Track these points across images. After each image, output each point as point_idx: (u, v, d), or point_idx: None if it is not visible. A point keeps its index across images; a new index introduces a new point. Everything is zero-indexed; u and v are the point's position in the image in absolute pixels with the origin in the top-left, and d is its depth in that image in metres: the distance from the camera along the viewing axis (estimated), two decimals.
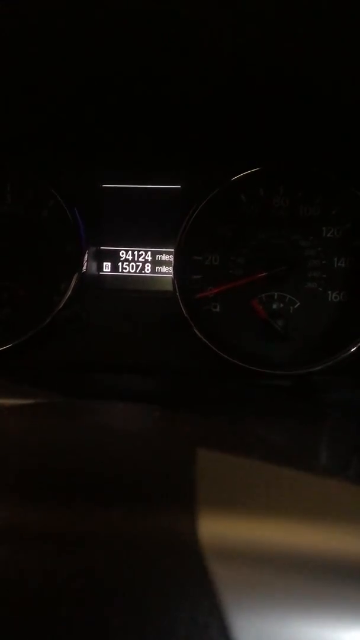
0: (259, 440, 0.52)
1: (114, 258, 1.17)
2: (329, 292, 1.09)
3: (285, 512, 0.32)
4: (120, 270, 1.17)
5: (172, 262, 1.11)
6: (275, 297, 1.10)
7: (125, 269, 1.17)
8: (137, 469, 0.36)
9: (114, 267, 1.17)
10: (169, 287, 1.11)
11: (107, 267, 1.18)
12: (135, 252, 1.16)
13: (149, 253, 1.16)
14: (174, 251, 1.10)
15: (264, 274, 1.09)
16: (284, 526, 0.31)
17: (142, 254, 1.16)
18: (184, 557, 0.29)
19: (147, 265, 1.16)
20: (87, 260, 1.13)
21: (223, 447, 0.43)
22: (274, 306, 1.10)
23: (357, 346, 1.03)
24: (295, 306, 1.10)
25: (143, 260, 1.16)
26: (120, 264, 1.17)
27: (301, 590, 0.29)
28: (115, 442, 0.41)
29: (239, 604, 0.28)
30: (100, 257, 1.18)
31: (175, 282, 1.09)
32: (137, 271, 1.17)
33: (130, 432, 0.45)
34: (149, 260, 1.16)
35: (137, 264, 1.17)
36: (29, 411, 0.56)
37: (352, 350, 1.03)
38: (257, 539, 0.30)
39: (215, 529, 0.30)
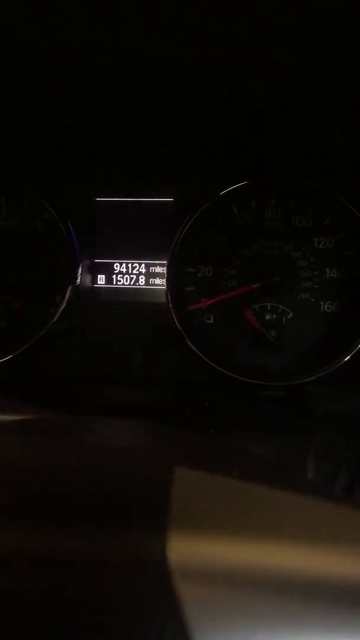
0: (243, 455, 0.52)
1: (108, 270, 1.18)
2: (322, 302, 1.10)
3: (256, 534, 0.32)
4: (114, 282, 1.18)
5: (166, 274, 1.11)
6: (269, 307, 1.11)
7: (120, 281, 1.18)
8: (112, 489, 0.36)
9: (108, 280, 1.18)
10: (163, 299, 1.12)
11: (101, 279, 1.18)
12: (129, 265, 1.17)
13: (143, 265, 1.17)
14: (167, 263, 1.11)
15: (257, 285, 1.09)
16: (254, 548, 0.31)
17: (136, 267, 1.17)
18: (153, 577, 0.29)
19: (141, 278, 1.17)
20: (81, 273, 1.14)
21: (203, 465, 0.43)
22: (267, 317, 1.11)
23: (350, 356, 1.04)
24: (288, 317, 1.11)
25: (137, 272, 1.17)
26: (114, 276, 1.18)
27: (271, 612, 0.30)
28: (94, 459, 0.42)
29: (208, 625, 0.28)
30: (94, 270, 1.18)
31: (169, 294, 1.10)
32: (131, 283, 1.18)
33: (112, 450, 0.45)
34: (143, 272, 1.17)
35: (131, 276, 1.17)
36: (15, 428, 0.56)
37: (345, 360, 1.04)
38: (226, 560, 0.30)
39: (185, 550, 0.31)
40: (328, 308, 1.10)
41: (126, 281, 1.18)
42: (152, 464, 0.42)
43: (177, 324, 1.08)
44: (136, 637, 0.27)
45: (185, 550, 0.31)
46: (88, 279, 1.18)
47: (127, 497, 0.35)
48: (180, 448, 0.48)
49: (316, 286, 1.10)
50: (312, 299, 1.10)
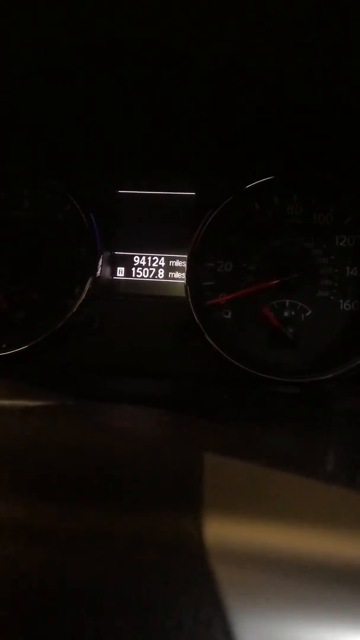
0: (267, 446, 0.53)
1: (128, 263, 1.19)
2: (341, 300, 1.10)
3: (290, 517, 0.33)
4: (133, 275, 1.19)
5: (185, 268, 1.12)
6: (287, 304, 1.11)
7: (139, 274, 1.19)
8: (145, 471, 0.37)
9: (128, 272, 1.19)
10: (182, 293, 1.12)
11: (120, 272, 1.19)
12: (149, 258, 1.18)
13: (163, 259, 1.17)
14: (187, 257, 1.11)
15: (276, 281, 1.09)
16: (289, 530, 0.32)
17: (155, 260, 1.18)
18: (189, 557, 0.30)
19: (161, 271, 1.18)
20: (101, 265, 1.14)
21: (231, 452, 0.44)
22: (286, 314, 1.11)
23: None
24: (307, 314, 1.11)
25: (156, 265, 1.18)
26: (133, 269, 1.19)
27: (305, 594, 0.30)
28: (124, 444, 0.42)
29: (243, 605, 0.29)
30: (114, 262, 1.19)
31: (188, 288, 1.10)
32: (151, 276, 1.18)
33: (140, 435, 0.46)
34: (162, 265, 1.18)
35: (151, 269, 1.18)
36: (41, 412, 0.57)
37: None
38: (262, 543, 0.31)
39: (221, 531, 0.31)
40: (347, 306, 1.10)
41: (145, 274, 1.18)
42: (181, 449, 0.42)
43: (195, 318, 1.08)
44: (173, 616, 0.28)
45: (221, 531, 0.31)
46: (107, 271, 1.18)
47: (160, 479, 0.36)
48: (206, 436, 0.49)
49: (336, 284, 1.10)
50: (332, 297, 1.10)
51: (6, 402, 0.59)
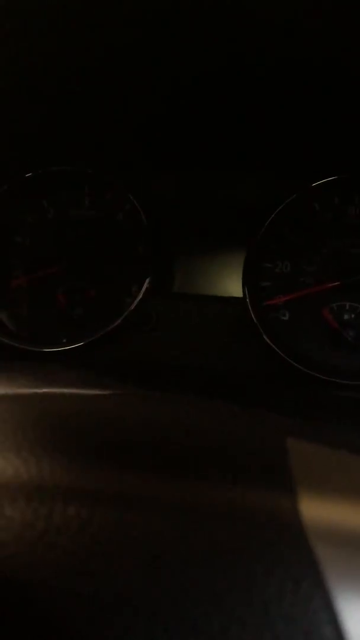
0: (341, 440, 0.52)
1: (186, 262, 1.19)
2: None
3: None
4: (191, 274, 1.19)
5: (243, 267, 1.11)
6: (347, 307, 1.09)
7: (197, 272, 1.19)
8: (237, 451, 0.37)
9: (185, 271, 1.19)
10: (238, 293, 1.11)
11: (178, 271, 1.20)
12: (207, 257, 1.18)
13: (220, 258, 1.17)
14: (245, 257, 1.11)
15: (337, 283, 1.08)
16: None
17: (213, 259, 1.18)
18: (288, 532, 0.29)
19: (218, 270, 1.18)
20: (158, 264, 1.15)
21: (311, 438, 0.43)
22: (346, 316, 1.09)
23: None
24: None
25: (214, 264, 1.18)
26: (191, 268, 1.19)
27: None
28: (211, 427, 0.42)
29: (342, 582, 0.28)
30: (171, 261, 1.20)
31: (245, 288, 1.10)
32: (208, 276, 1.18)
33: (220, 421, 0.46)
34: (220, 265, 1.17)
35: (208, 268, 1.18)
36: (122, 400, 0.58)
37: None
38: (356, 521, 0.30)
39: (316, 509, 0.31)
40: None
41: (203, 273, 1.18)
42: (265, 434, 0.42)
43: (253, 317, 1.07)
44: (272, 586, 0.28)
45: (315, 509, 0.31)
46: (165, 271, 1.19)
47: (253, 459, 0.36)
48: (282, 425, 0.48)
49: None
50: None
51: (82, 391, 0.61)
